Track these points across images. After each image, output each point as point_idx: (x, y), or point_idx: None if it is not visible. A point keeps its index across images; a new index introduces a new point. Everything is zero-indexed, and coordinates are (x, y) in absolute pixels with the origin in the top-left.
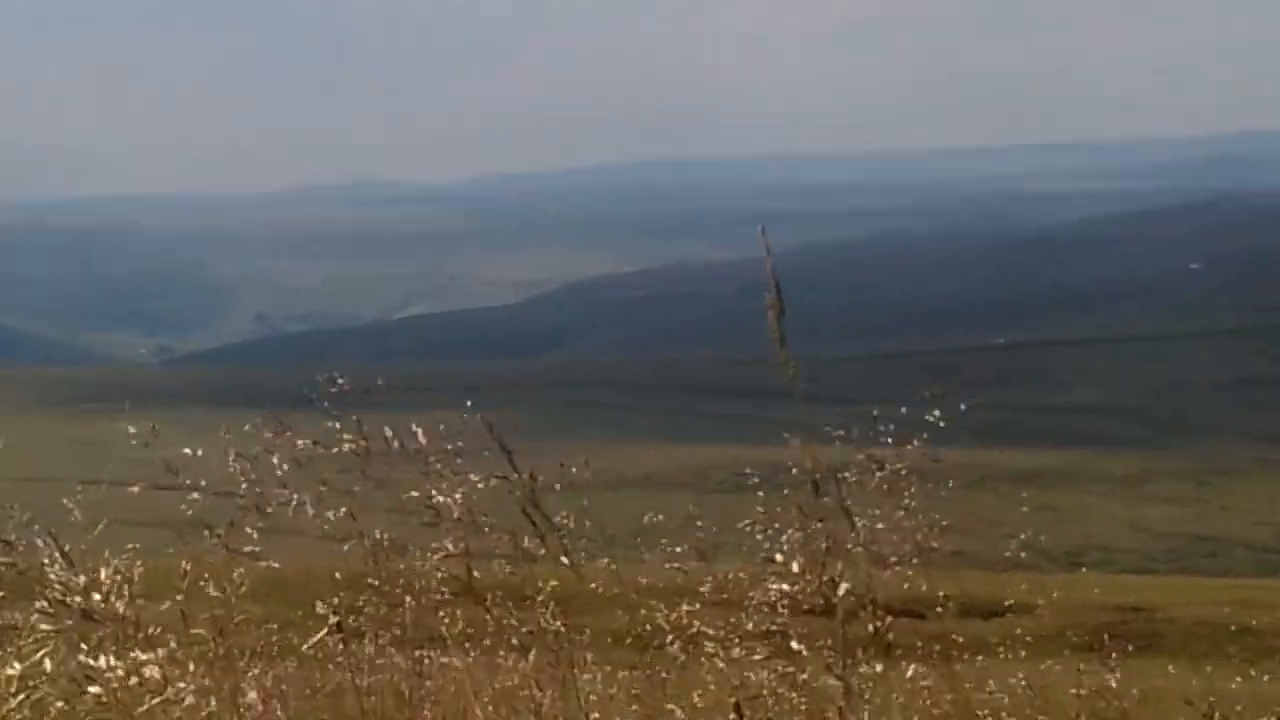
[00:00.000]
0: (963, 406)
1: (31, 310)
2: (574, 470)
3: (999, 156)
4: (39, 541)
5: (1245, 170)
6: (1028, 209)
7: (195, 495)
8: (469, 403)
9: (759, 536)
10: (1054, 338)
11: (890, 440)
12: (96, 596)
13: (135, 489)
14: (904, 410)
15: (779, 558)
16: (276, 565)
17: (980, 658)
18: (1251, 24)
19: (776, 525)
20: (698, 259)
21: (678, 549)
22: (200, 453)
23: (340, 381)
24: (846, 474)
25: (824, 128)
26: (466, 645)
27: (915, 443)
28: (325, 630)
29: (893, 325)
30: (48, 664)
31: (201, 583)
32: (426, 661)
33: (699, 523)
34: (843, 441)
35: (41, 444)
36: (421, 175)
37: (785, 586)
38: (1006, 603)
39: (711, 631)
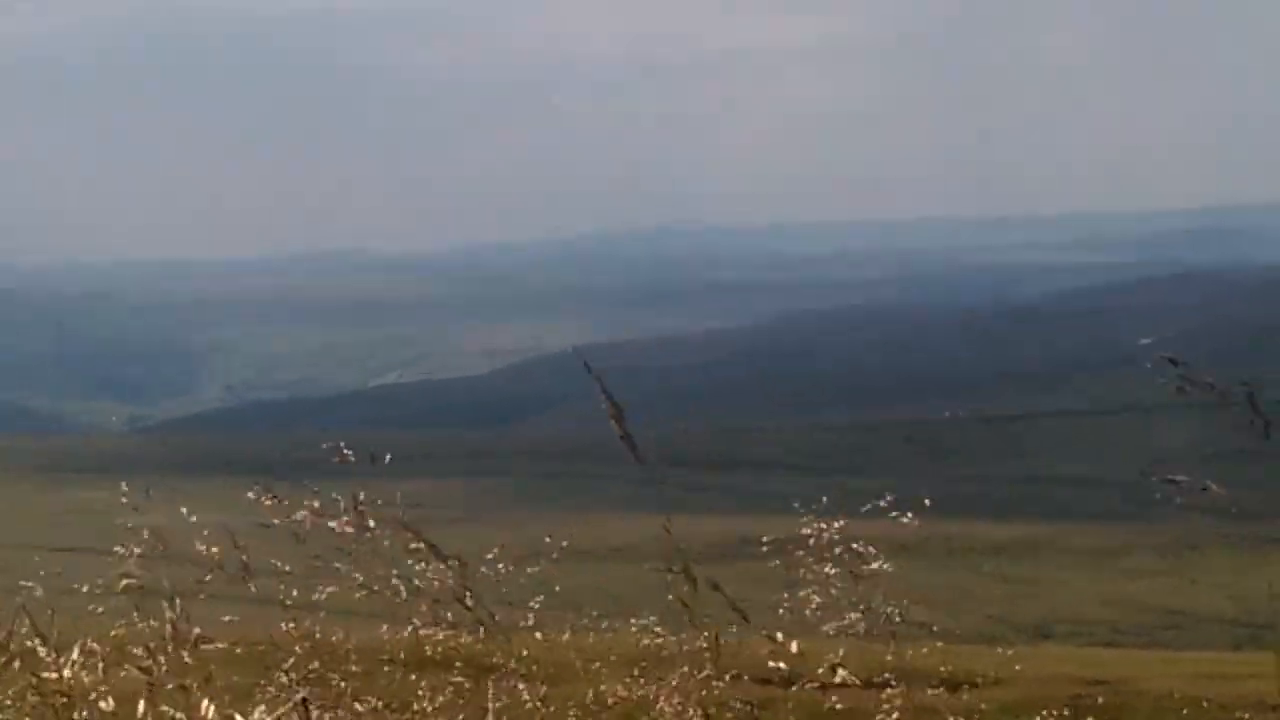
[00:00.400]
0: (926, 501)
1: (3, 378)
2: (546, 539)
3: (983, 228)
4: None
5: (1232, 243)
6: (1012, 279)
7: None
8: (446, 471)
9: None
10: (1033, 409)
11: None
12: (67, 673)
13: (130, 552)
14: (878, 481)
15: (780, 636)
16: (224, 645)
17: None
18: (1240, 99)
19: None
20: (675, 329)
21: (649, 619)
22: (193, 519)
23: (347, 451)
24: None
25: (806, 197)
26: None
27: (909, 515)
28: (291, 705)
29: (874, 394)
30: None
31: (169, 652)
32: None
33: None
34: (819, 511)
35: (14, 512)
36: (398, 243)
37: (782, 665)
38: (975, 676)
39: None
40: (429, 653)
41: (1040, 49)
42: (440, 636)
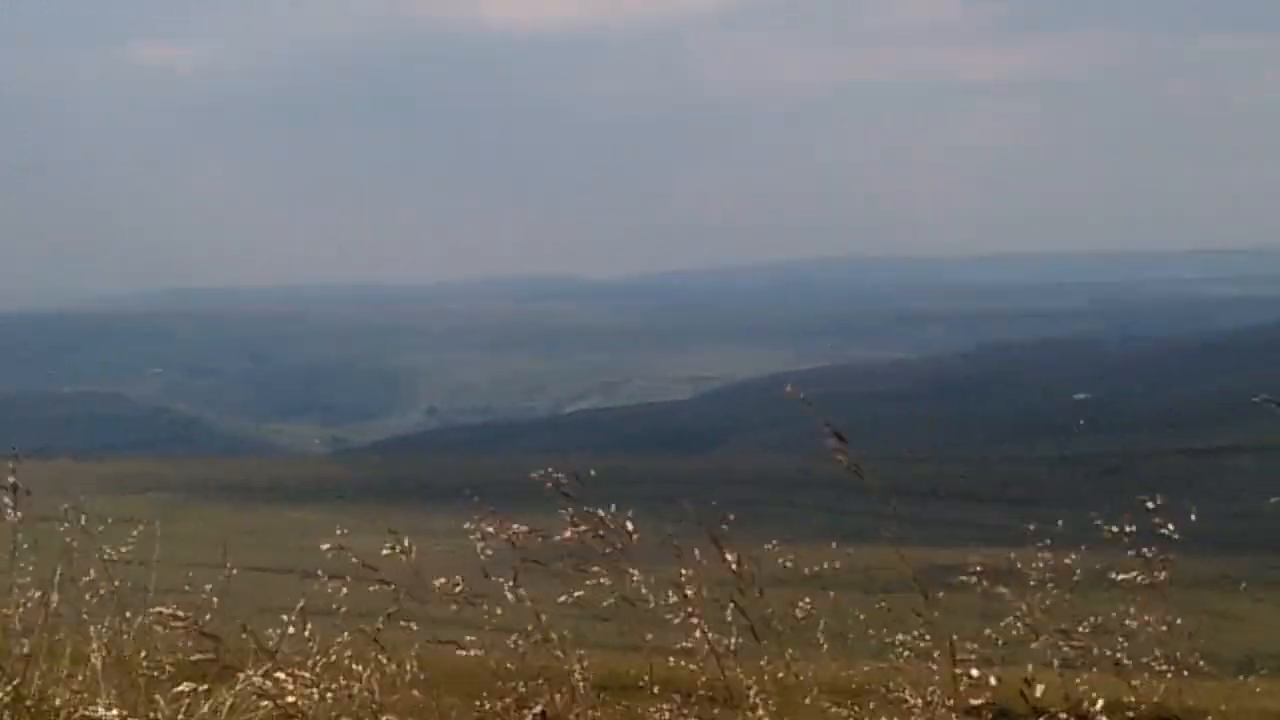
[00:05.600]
0: (1169, 525)
1: (208, 400)
2: (771, 563)
3: (1172, 260)
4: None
5: None
6: (1206, 312)
7: (386, 586)
8: (645, 497)
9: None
10: (1230, 442)
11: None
12: (292, 699)
13: (331, 578)
14: (1087, 514)
15: (975, 672)
16: (477, 652)
17: None
18: None
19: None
20: (870, 358)
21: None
22: (399, 545)
23: (558, 475)
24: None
25: (997, 228)
26: None
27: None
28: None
29: (1068, 427)
30: None
31: (389, 670)
32: None
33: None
34: (1015, 542)
35: (211, 533)
36: (597, 271)
37: (978, 701)
38: (1180, 709)
39: None
40: (657, 677)
41: (1228, 84)
42: (672, 663)
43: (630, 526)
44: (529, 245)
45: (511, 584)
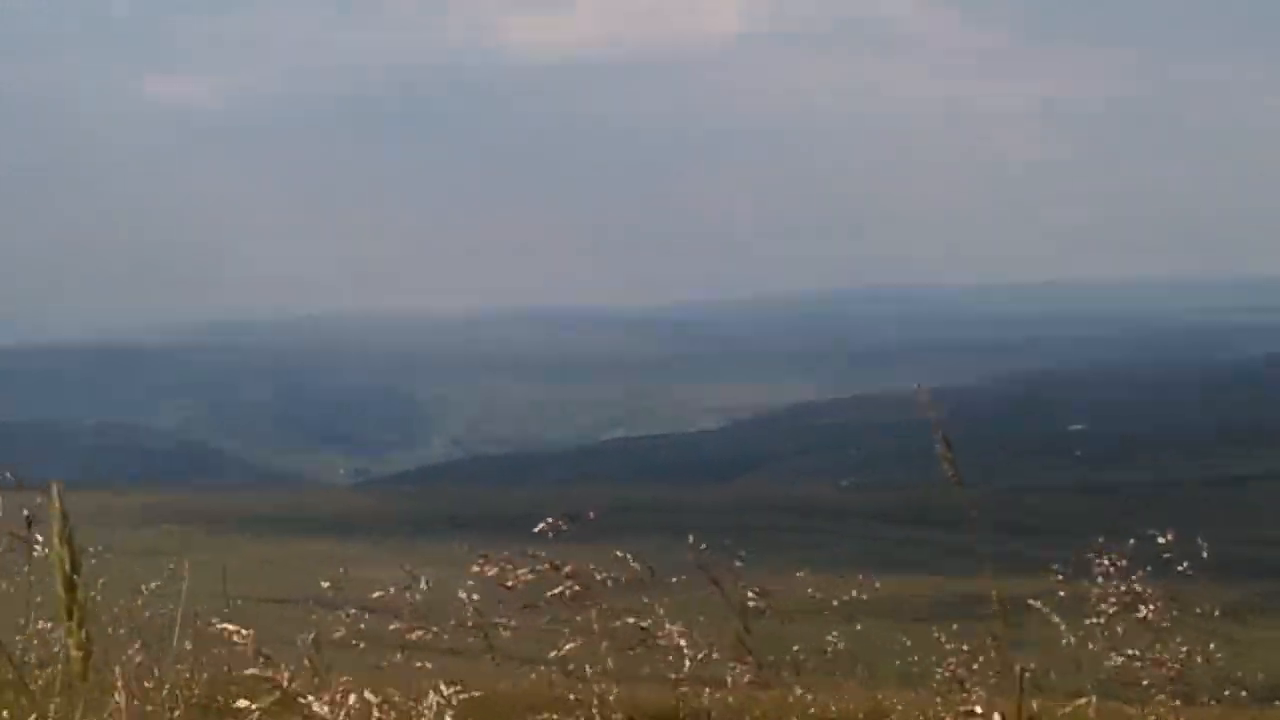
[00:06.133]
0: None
1: (232, 431)
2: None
3: (1197, 288)
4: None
5: None
6: (1233, 340)
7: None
8: (670, 529)
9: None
10: (1260, 470)
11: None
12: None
13: (358, 611)
14: (1107, 543)
15: (979, 709)
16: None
17: None
18: None
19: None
20: (899, 388)
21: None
22: (428, 581)
23: (554, 521)
24: (1035, 603)
25: (1018, 257)
26: None
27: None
28: None
29: (1097, 456)
30: None
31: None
32: None
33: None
34: (1048, 573)
35: (231, 564)
36: (626, 301)
37: None
38: None
39: None
40: (687, 708)
41: (1251, 107)
42: (705, 691)
43: (632, 561)
44: (559, 275)
45: (513, 622)
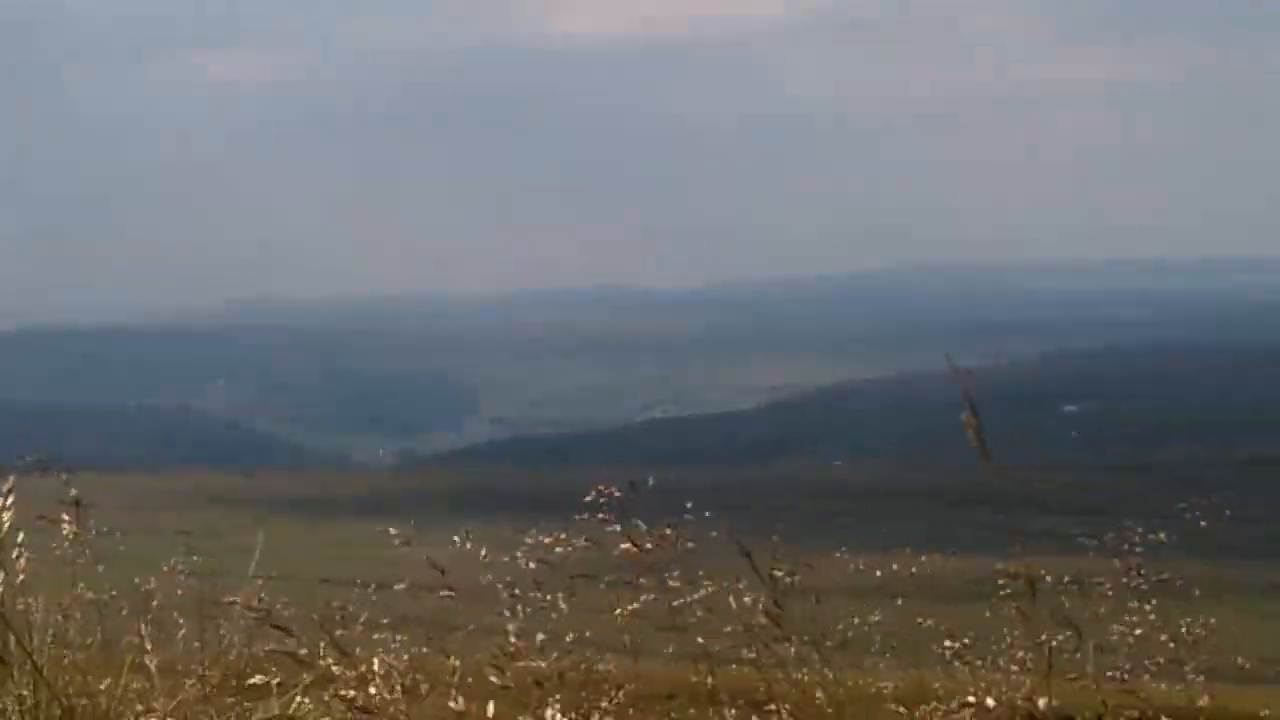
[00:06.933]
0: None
1: (276, 413)
2: (794, 574)
3: (1245, 268)
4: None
5: None
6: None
7: (446, 593)
8: (706, 510)
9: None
10: None
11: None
12: (372, 690)
13: (400, 586)
14: (1148, 522)
15: (991, 702)
16: (539, 663)
17: None
18: None
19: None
20: (932, 367)
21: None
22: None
23: (610, 489)
24: (1073, 583)
25: (1069, 236)
26: None
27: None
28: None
29: (1138, 436)
30: None
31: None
32: None
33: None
34: (1094, 552)
35: (278, 545)
36: (669, 281)
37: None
38: (1243, 716)
39: None
40: (724, 686)
41: None
42: (734, 669)
43: (672, 535)
44: (601, 256)
45: (563, 595)
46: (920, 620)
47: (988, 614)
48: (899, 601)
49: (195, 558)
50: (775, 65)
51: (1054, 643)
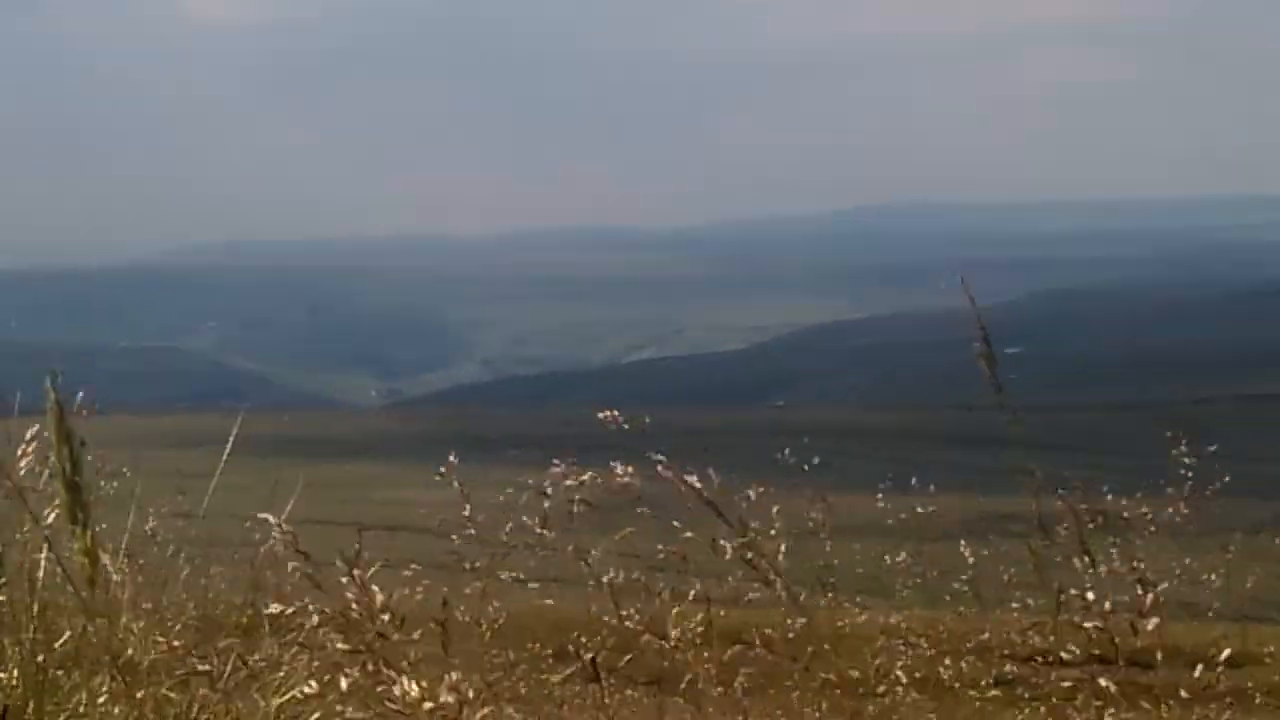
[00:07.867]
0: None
1: (263, 353)
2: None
3: (1235, 207)
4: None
5: None
6: (1267, 258)
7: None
8: (696, 448)
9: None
10: None
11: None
12: (386, 617)
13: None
14: (1139, 461)
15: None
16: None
17: (1213, 707)
18: None
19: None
20: (928, 306)
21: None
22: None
23: (617, 418)
24: (1064, 525)
25: (1055, 175)
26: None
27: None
28: (579, 666)
29: (1128, 374)
30: (343, 682)
31: (462, 619)
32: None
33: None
34: (1080, 490)
35: (262, 486)
36: (657, 221)
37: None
38: (1239, 655)
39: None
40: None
41: None
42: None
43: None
44: (589, 195)
45: (556, 532)
46: (900, 559)
47: (967, 552)
48: (900, 546)
49: (180, 496)
50: (766, 7)
51: (1066, 592)
